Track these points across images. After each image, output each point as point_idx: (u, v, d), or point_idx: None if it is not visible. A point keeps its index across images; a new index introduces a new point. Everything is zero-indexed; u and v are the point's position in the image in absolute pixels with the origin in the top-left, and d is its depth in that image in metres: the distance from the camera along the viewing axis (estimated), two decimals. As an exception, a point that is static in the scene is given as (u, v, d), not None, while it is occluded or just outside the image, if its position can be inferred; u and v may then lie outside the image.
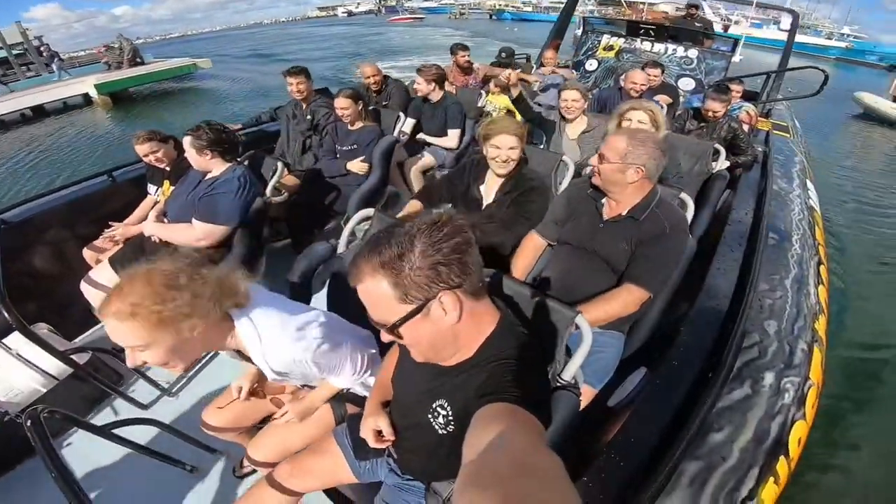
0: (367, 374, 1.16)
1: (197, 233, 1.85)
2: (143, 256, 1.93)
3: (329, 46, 26.01)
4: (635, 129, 1.86)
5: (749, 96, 4.43)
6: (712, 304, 1.57)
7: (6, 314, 1.46)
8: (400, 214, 1.92)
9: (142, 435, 1.54)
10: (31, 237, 2.14)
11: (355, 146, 2.67)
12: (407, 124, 3.24)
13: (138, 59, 14.92)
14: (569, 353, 1.13)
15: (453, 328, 0.71)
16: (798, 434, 1.10)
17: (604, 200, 1.59)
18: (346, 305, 1.14)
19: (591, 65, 4.99)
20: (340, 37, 32.21)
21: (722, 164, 2.63)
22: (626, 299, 1.41)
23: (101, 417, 1.78)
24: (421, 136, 3.28)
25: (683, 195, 1.91)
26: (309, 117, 2.88)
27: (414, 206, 2.00)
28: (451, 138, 3.21)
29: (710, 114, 2.84)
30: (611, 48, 4.88)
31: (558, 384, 1.10)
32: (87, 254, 2.12)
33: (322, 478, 1.13)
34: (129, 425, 1.25)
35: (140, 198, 2.40)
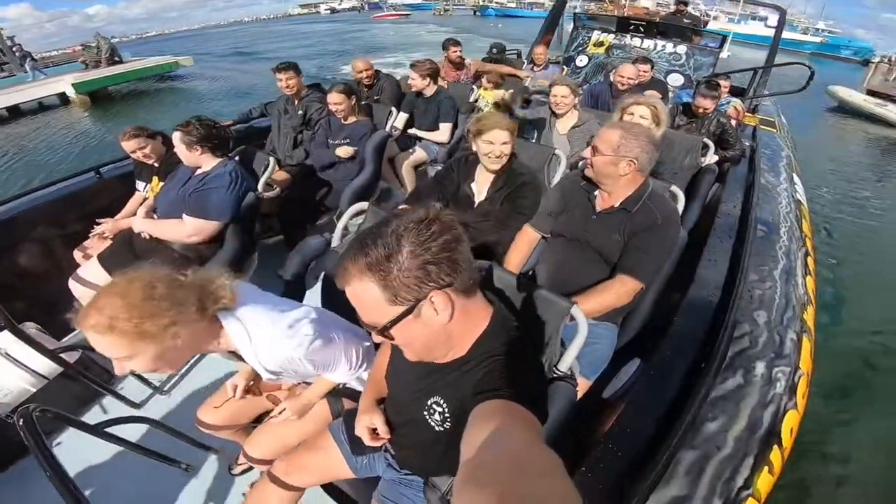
0: (362, 368, 1.16)
1: (188, 228, 1.83)
2: (132, 253, 1.94)
3: (312, 44, 25.61)
4: (629, 122, 1.88)
5: (736, 92, 4.49)
6: (703, 295, 1.59)
7: None
8: None
9: (135, 433, 1.53)
10: (16, 235, 2.10)
11: (348, 140, 2.66)
12: (399, 119, 3.23)
13: (116, 58, 14.64)
14: (563, 345, 1.15)
15: (446, 327, 0.70)
16: (790, 423, 1.11)
17: (596, 192, 1.60)
18: (341, 300, 1.14)
19: (581, 60, 5.01)
20: (324, 34, 31.71)
21: (711, 158, 2.67)
22: (620, 290, 1.43)
23: (93, 416, 1.75)
24: (412, 130, 3.27)
25: (674, 188, 1.94)
26: (301, 112, 2.86)
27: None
28: (443, 132, 3.20)
29: (699, 110, 2.88)
30: (601, 44, 4.90)
31: (555, 375, 1.11)
32: (75, 251, 2.08)
33: (319, 473, 1.13)
34: (123, 424, 1.23)
35: (128, 194, 2.36)
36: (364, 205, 1.60)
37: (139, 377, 1.81)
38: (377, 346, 1.18)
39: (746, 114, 3.98)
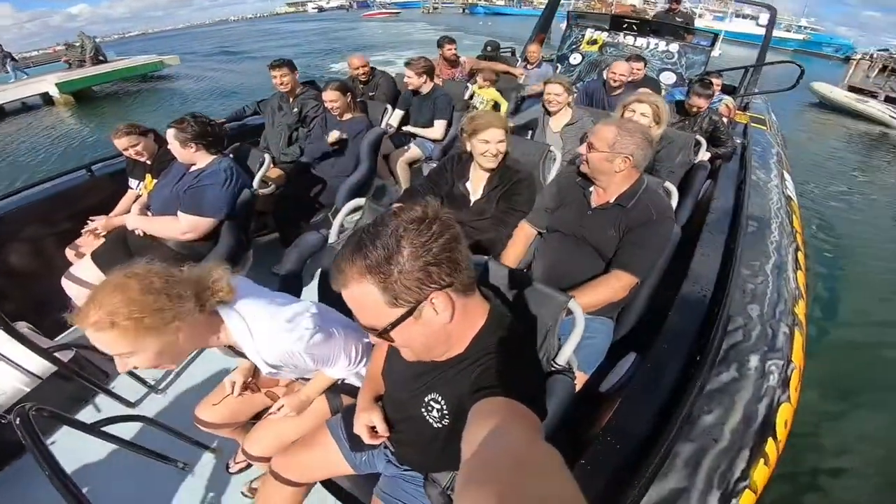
0: (361, 364, 1.16)
1: (182, 225, 1.82)
2: (126, 250, 1.92)
3: (300, 43, 25.24)
4: (624, 119, 1.89)
5: (727, 90, 4.54)
6: (697, 289, 1.61)
7: None
8: None
9: (131, 432, 1.52)
10: (7, 234, 2.07)
11: (345, 136, 2.65)
12: (394, 116, 3.22)
13: (101, 57, 14.37)
14: (560, 339, 1.15)
15: (446, 327, 0.70)
16: (784, 416, 1.12)
17: (592, 188, 1.61)
18: (339, 297, 1.13)
19: (574, 59, 5.03)
20: (312, 33, 31.25)
21: (703, 155, 2.70)
22: (615, 285, 1.44)
23: (87, 416, 1.73)
24: (407, 127, 3.27)
25: (668, 184, 1.96)
26: (296, 110, 2.84)
27: None
28: (437, 129, 3.20)
29: (693, 109, 2.91)
30: (594, 42, 4.92)
31: (553, 368, 1.12)
32: (67, 250, 2.06)
33: (318, 470, 1.13)
34: (120, 422, 1.22)
35: (120, 192, 2.34)
36: (361, 201, 1.60)
37: (134, 376, 1.79)
38: None
39: (737, 111, 4.03)
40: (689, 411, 1.02)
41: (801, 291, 1.80)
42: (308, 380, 1.24)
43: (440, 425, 0.83)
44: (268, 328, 0.95)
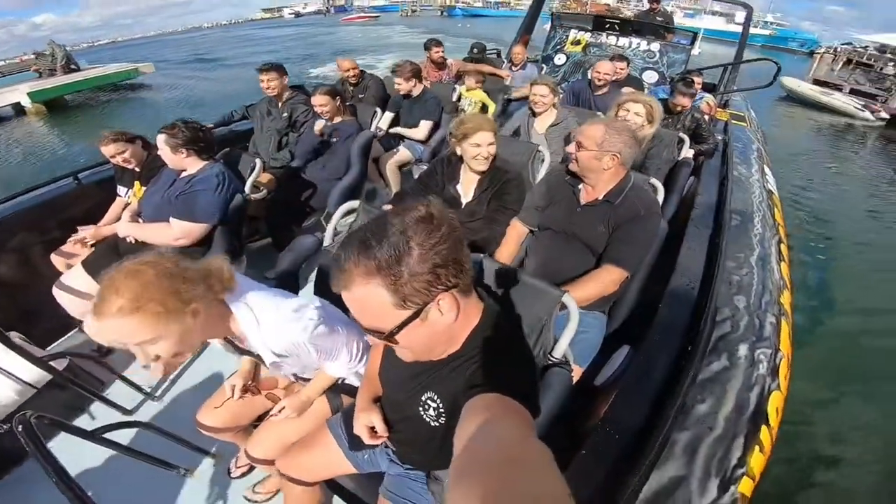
0: (361, 362, 1.18)
1: (175, 231, 1.81)
2: (118, 258, 1.89)
3: (277, 49, 25.03)
4: (612, 118, 1.94)
5: (707, 88, 4.64)
6: (685, 282, 1.66)
7: None
8: None
9: (129, 440, 1.51)
10: None
11: (335, 139, 2.67)
12: (384, 119, 3.24)
13: (72, 66, 14.15)
14: (555, 333, 1.18)
15: (449, 327, 0.70)
16: (775, 404, 1.14)
17: (580, 186, 1.65)
18: (337, 299, 1.15)
19: (559, 59, 5.09)
20: (289, 38, 30.98)
21: (686, 152, 2.77)
22: (606, 279, 1.49)
23: (83, 425, 1.71)
24: (395, 129, 3.29)
25: (654, 180, 2.01)
26: (286, 114, 2.84)
27: None
28: (422, 129, 3.22)
29: (678, 108, 2.99)
30: (578, 42, 4.99)
31: (549, 362, 1.15)
32: (55, 259, 2.03)
33: (322, 470, 1.14)
34: (121, 429, 1.22)
35: (108, 200, 2.31)
36: (355, 203, 1.62)
37: (130, 383, 1.78)
38: None
39: (718, 109, 4.13)
40: (684, 401, 1.04)
41: (785, 282, 1.86)
42: (308, 380, 1.25)
43: (437, 424, 0.83)
44: (274, 318, 0.98)
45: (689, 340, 1.33)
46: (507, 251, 1.78)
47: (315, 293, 1.57)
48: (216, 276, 0.93)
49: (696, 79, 3.40)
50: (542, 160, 2.23)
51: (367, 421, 0.98)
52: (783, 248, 2.18)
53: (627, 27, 4.87)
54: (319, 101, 2.60)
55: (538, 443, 0.48)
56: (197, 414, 1.28)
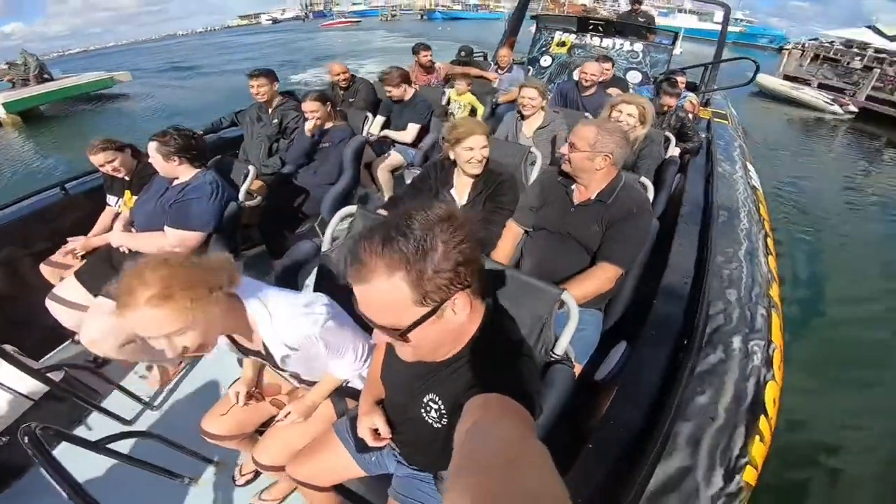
0: (365, 364, 1.19)
1: (170, 240, 1.80)
2: (111, 268, 1.90)
3: (256, 56, 24.60)
4: (603, 119, 1.97)
5: (689, 87, 4.75)
6: (678, 277, 1.70)
7: None
8: None
9: (130, 449, 1.49)
10: None
11: (328, 144, 2.67)
12: (375, 124, 3.25)
13: (45, 76, 13.78)
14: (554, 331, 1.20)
15: (458, 327, 0.69)
16: (772, 394, 1.16)
17: (573, 186, 1.69)
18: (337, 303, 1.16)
19: (545, 61, 5.16)
20: (268, 45, 30.60)
21: (673, 150, 2.83)
22: (602, 277, 1.52)
23: (81, 436, 1.71)
24: (385, 132, 3.30)
25: (643, 179, 2.06)
26: (276, 121, 2.84)
27: None
28: (410, 131, 3.24)
29: (665, 107, 3.05)
30: (563, 44, 5.07)
31: (552, 359, 1.18)
32: (45, 270, 2.00)
33: (331, 474, 1.14)
34: (125, 439, 1.21)
35: (97, 210, 2.28)
36: (352, 208, 1.62)
37: (128, 393, 1.77)
38: None
39: (700, 107, 4.23)
40: (684, 393, 1.06)
41: (773, 275, 1.92)
42: (311, 384, 1.25)
43: (440, 425, 0.83)
44: (286, 311, 1.01)
45: (685, 334, 1.36)
46: (503, 252, 1.80)
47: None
48: (228, 269, 0.95)
49: (679, 79, 3.48)
50: (534, 161, 2.26)
51: (371, 423, 0.98)
52: (769, 242, 2.25)
53: (611, 28, 4.96)
54: (310, 106, 2.60)
55: (537, 443, 0.48)
56: (201, 422, 1.27)
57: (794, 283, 4.22)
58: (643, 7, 5.37)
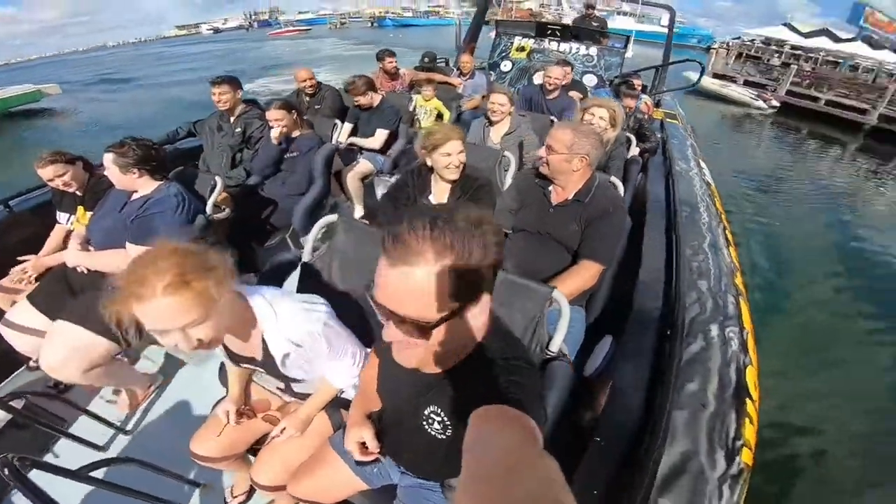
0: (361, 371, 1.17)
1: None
2: (68, 289, 1.77)
3: (198, 66, 23.26)
4: (576, 122, 2.03)
5: (641, 89, 4.99)
6: (652, 272, 1.78)
7: None
8: None
9: (110, 475, 1.38)
10: None
11: (296, 153, 2.60)
12: (343, 131, 3.20)
13: None
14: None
15: (470, 332, 0.67)
16: (752, 378, 1.20)
17: (551, 187, 1.73)
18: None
19: (505, 66, 5.27)
20: (211, 55, 29.16)
21: (634, 150, 2.97)
22: (586, 274, 1.57)
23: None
24: (352, 139, 3.26)
25: (613, 178, 2.14)
26: (239, 130, 2.73)
27: None
28: (378, 138, 3.22)
29: (626, 109, 3.19)
30: (522, 49, 5.19)
31: (548, 356, 1.20)
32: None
33: (334, 490, 1.10)
34: (105, 466, 1.12)
35: (45, 228, 2.11)
36: (333, 217, 1.59)
37: (97, 417, 1.64)
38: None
39: (653, 108, 4.45)
40: (675, 382, 1.09)
41: (735, 264, 2.04)
42: (304, 397, 1.21)
43: (443, 437, 0.82)
44: (290, 307, 1.01)
45: (667, 325, 1.42)
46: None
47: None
48: (228, 264, 0.92)
49: (636, 81, 3.66)
50: (508, 165, 2.30)
51: (359, 437, 0.96)
52: (728, 233, 2.40)
53: (568, 33, 5.13)
54: (275, 115, 2.53)
55: (544, 453, 0.48)
56: (190, 444, 1.20)
57: (750, 270, 4.54)
58: (596, 12, 5.61)
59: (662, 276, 1.78)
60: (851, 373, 3.53)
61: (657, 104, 4.89)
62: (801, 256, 5.21)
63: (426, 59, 4.56)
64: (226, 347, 1.08)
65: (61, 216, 2.09)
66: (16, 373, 1.94)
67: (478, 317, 0.65)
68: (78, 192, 2.03)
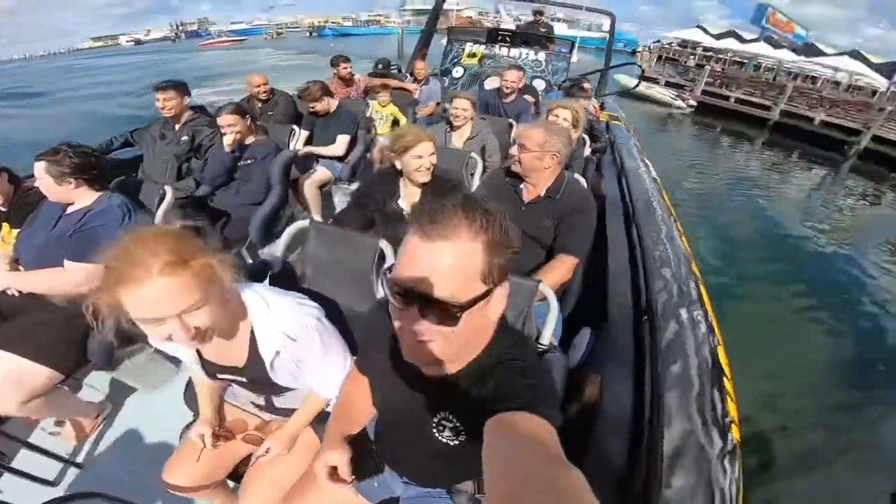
0: None
1: (75, 276, 1.52)
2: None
3: (120, 79, 21.19)
4: (549, 121, 2.08)
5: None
6: (620, 263, 1.85)
7: None
8: None
9: None
10: None
11: (251, 160, 2.46)
12: (301, 138, 3.09)
13: None
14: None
15: (486, 326, 0.66)
16: (723, 357, 1.24)
17: (522, 185, 1.76)
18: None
19: (457, 72, 5.35)
20: (134, 66, 26.65)
21: (587, 150, 3.10)
22: (563, 268, 1.60)
23: None
24: (309, 148, 3.14)
25: (577, 176, 2.21)
26: (186, 138, 2.55)
27: None
28: (339, 144, 3.13)
29: None
30: (473, 55, 5.30)
31: (540, 349, 1.21)
32: None
33: None
34: (70, 503, 0.99)
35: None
36: (305, 223, 1.52)
37: (41, 451, 1.45)
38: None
39: (599, 111, 4.69)
40: (661, 366, 1.12)
41: (689, 253, 2.18)
42: (286, 413, 1.14)
43: (456, 442, 0.78)
44: (282, 300, 0.98)
45: (642, 312, 1.48)
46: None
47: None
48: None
49: (585, 84, 3.83)
50: (475, 167, 2.32)
51: (332, 460, 0.88)
52: (678, 224, 2.56)
53: (518, 39, 5.29)
54: (228, 120, 2.38)
55: (571, 467, 0.48)
56: (163, 474, 1.07)
57: (702, 258, 4.96)
58: (544, 19, 5.84)
59: (628, 267, 1.86)
60: (787, 346, 3.94)
61: (602, 107, 5.15)
62: (728, 242, 5.83)
63: (380, 66, 4.53)
64: (202, 357, 1.00)
65: (-20, 236, 1.84)
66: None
67: (497, 306, 0.63)
68: (2, 208, 1.81)
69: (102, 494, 1.06)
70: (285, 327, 0.95)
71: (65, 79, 23.81)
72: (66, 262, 1.53)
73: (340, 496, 1.01)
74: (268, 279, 1.50)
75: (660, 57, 24.22)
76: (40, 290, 1.53)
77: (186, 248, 0.74)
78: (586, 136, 3.07)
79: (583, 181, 2.22)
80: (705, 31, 28.51)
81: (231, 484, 1.23)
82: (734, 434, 0.95)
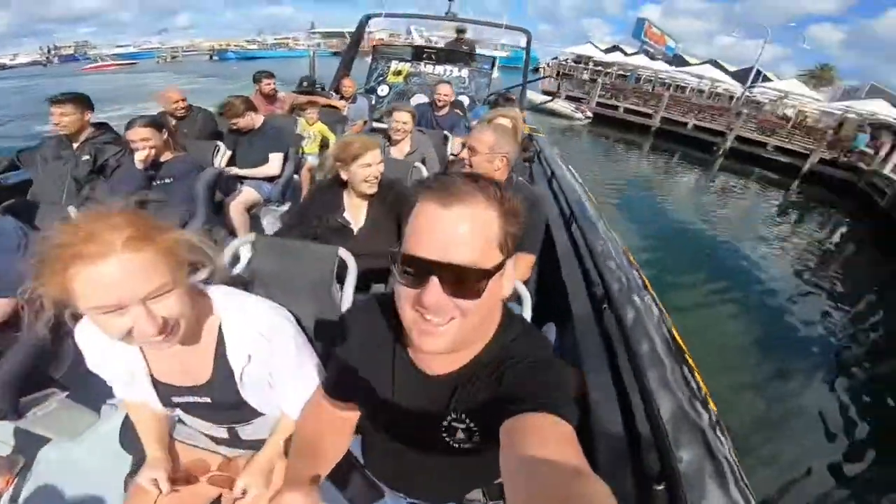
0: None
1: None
2: None
3: None
4: (495, 123, 2.08)
5: None
6: (568, 261, 1.94)
7: None
8: None
9: None
10: None
11: (169, 179, 2.20)
12: (224, 156, 2.86)
13: None
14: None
15: (499, 304, 0.66)
16: (677, 335, 1.31)
17: (471, 189, 1.78)
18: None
19: (382, 90, 5.35)
20: (4, 92, 22.44)
21: (520, 158, 3.25)
22: (523, 266, 1.64)
23: None
24: (234, 170, 2.91)
25: (520, 179, 2.30)
26: (87, 157, 2.23)
27: None
28: (273, 163, 2.96)
29: None
30: (399, 73, 5.34)
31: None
32: None
33: None
34: None
35: None
36: (252, 236, 1.40)
37: None
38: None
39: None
40: (631, 349, 1.18)
41: (623, 245, 2.35)
42: (253, 445, 1.01)
43: (469, 445, 0.72)
44: (254, 301, 0.90)
45: (601, 301, 1.55)
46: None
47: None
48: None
49: (511, 97, 4.04)
50: (421, 174, 2.31)
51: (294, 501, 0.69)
52: (606, 221, 2.76)
53: (442, 56, 5.45)
54: (140, 133, 2.11)
55: (596, 479, 0.47)
56: None
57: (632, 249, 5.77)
58: (466, 37, 6.08)
59: (577, 262, 1.96)
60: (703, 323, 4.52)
61: (523, 119, 5.46)
62: (636, 238, 6.70)
63: (305, 83, 4.36)
64: (154, 379, 0.86)
65: None
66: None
67: (508, 281, 0.63)
68: None
69: None
70: (259, 326, 0.85)
71: None
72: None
73: None
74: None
75: (558, 72, 26.30)
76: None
77: (150, 224, 0.66)
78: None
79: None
80: (595, 46, 31.41)
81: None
82: (712, 406, 1.00)
